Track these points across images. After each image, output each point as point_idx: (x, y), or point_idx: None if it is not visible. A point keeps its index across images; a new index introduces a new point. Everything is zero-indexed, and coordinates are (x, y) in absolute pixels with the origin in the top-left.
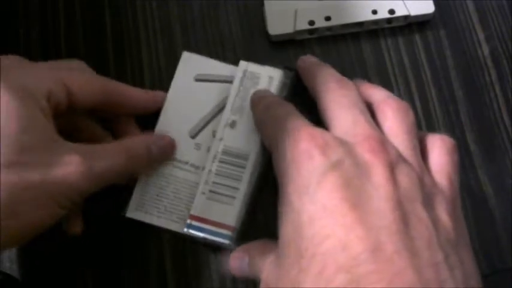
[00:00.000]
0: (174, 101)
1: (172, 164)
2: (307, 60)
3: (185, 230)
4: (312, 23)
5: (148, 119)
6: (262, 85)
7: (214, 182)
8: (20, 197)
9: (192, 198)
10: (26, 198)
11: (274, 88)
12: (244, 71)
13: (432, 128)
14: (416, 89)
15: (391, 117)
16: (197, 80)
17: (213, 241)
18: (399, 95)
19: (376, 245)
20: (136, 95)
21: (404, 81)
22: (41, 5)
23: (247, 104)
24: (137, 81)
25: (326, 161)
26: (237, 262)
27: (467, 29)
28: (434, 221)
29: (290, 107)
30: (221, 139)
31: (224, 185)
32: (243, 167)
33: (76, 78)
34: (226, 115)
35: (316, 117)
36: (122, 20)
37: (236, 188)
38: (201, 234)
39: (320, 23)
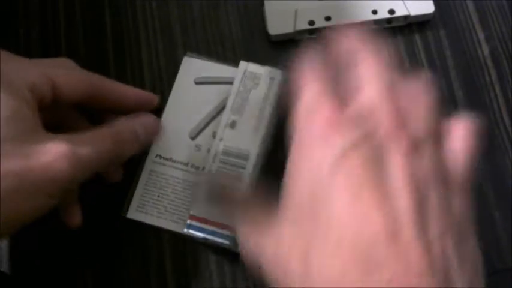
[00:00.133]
0: (174, 104)
1: (172, 165)
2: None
3: (185, 230)
4: (312, 23)
5: None
6: (262, 85)
7: None
8: (2, 186)
9: None
10: (9, 187)
11: (274, 88)
12: (244, 71)
13: None
14: None
15: (414, 95)
16: (197, 83)
17: (213, 241)
18: None
19: (393, 230)
20: (124, 92)
21: None
22: (41, 5)
23: (247, 104)
24: (137, 81)
25: (344, 141)
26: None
27: (467, 29)
28: (449, 209)
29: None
30: (221, 139)
31: None
32: (243, 167)
33: (61, 72)
34: (227, 115)
35: None
36: (122, 20)
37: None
38: (201, 235)
39: (320, 23)
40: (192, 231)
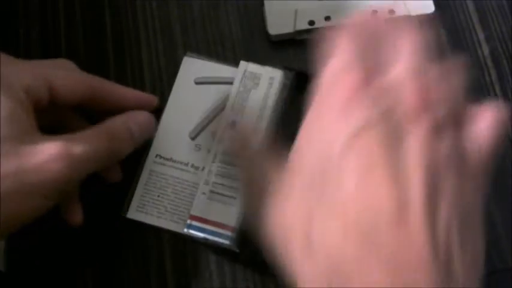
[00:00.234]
0: (175, 104)
1: (172, 165)
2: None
3: (185, 230)
4: (312, 23)
5: None
6: (262, 85)
7: (214, 182)
8: (2, 187)
9: (192, 199)
10: (9, 188)
11: (274, 88)
12: (244, 71)
13: None
14: None
15: (442, 79)
16: (197, 83)
17: (213, 241)
18: None
19: (400, 211)
20: (124, 93)
21: None
22: (41, 5)
23: (247, 104)
24: (137, 81)
25: (361, 119)
26: None
27: (467, 29)
28: (460, 198)
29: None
30: (221, 139)
31: (224, 185)
32: None
33: (58, 74)
34: (227, 115)
35: None
36: (122, 20)
37: (236, 188)
38: (201, 235)
39: (320, 23)
40: (192, 231)
